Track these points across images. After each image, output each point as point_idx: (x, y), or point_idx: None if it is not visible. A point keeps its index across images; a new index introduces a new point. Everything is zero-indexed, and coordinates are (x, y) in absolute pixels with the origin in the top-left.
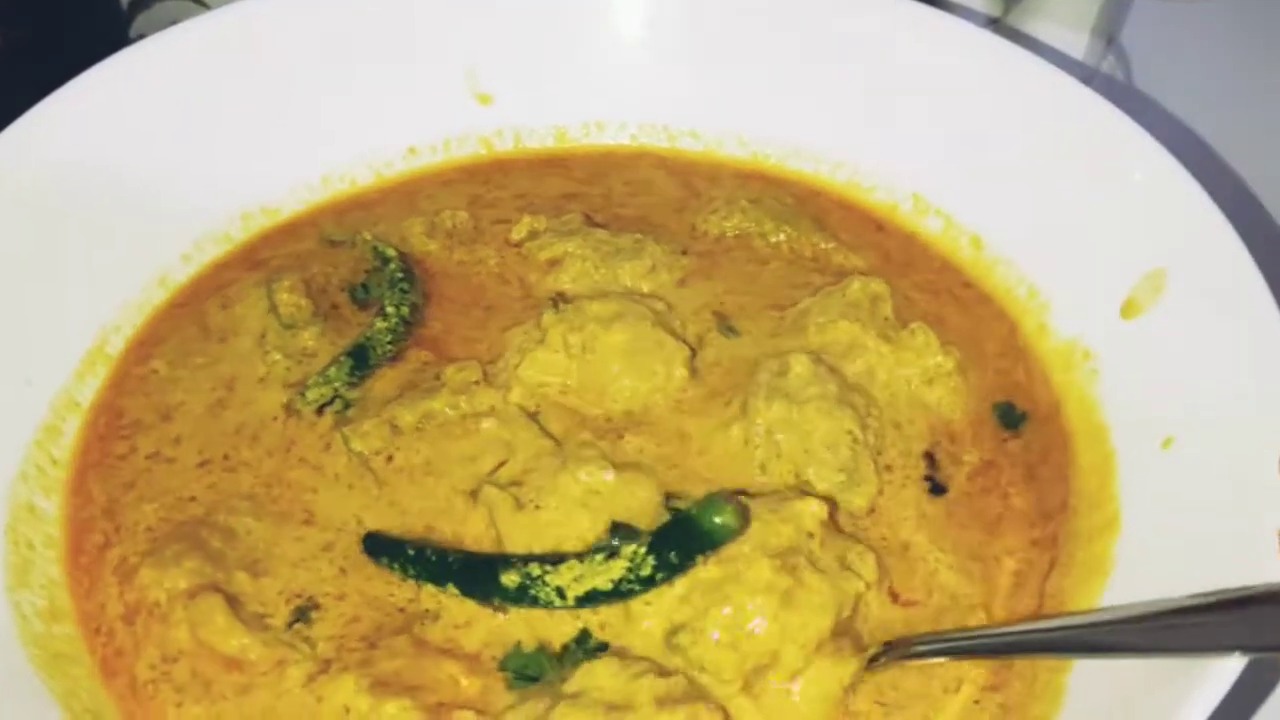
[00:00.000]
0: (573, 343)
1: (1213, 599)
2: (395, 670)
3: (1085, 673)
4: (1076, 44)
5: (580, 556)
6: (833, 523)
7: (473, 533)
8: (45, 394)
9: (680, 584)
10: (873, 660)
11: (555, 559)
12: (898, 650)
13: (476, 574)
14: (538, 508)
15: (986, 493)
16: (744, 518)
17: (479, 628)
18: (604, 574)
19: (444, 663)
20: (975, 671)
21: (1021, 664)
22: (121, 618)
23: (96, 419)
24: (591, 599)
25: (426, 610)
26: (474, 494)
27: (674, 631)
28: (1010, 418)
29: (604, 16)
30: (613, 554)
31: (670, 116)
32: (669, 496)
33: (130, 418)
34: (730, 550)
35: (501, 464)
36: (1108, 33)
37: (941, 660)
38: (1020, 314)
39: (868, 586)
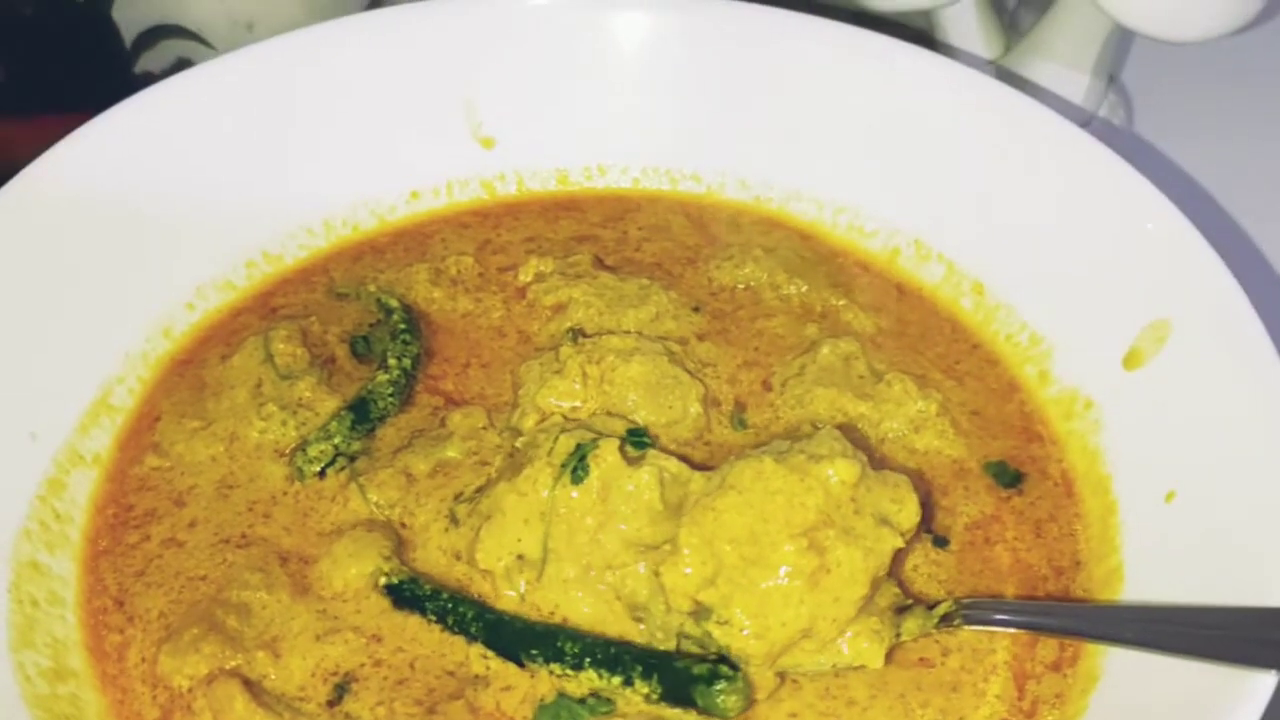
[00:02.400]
0: (591, 374)
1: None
2: None
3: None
4: (1077, 85)
5: (600, 668)
6: (871, 462)
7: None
8: (49, 448)
9: (706, 566)
10: (945, 619)
11: (576, 658)
12: (968, 612)
13: (502, 639)
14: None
15: (991, 544)
16: (749, 698)
17: (517, 691)
18: (617, 693)
19: None
20: None
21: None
22: None
23: (104, 507)
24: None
25: (477, 675)
26: (453, 519)
27: (701, 612)
28: (1005, 476)
29: (606, 61)
30: (628, 683)
31: (672, 160)
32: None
33: (142, 509)
34: (752, 529)
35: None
36: (1108, 73)
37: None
38: (1021, 361)
39: (904, 536)
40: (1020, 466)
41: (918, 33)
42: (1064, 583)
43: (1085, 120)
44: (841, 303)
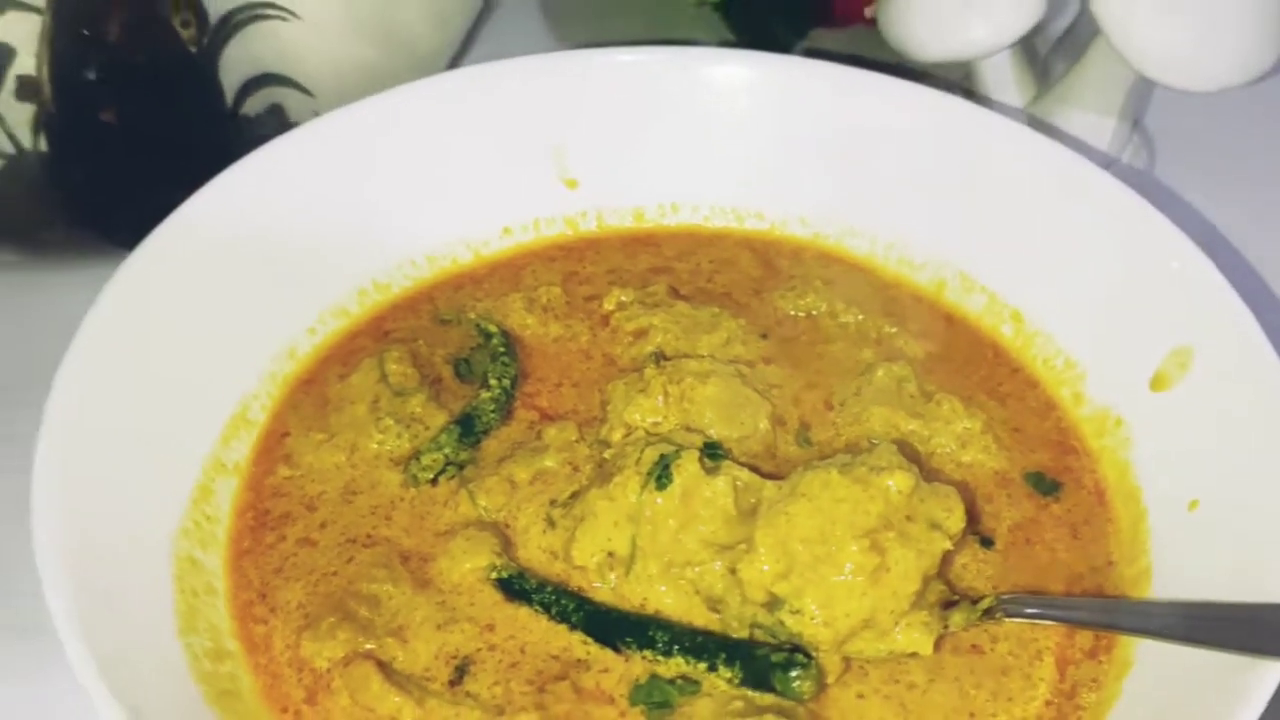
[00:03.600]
0: (672, 393)
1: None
2: (565, 714)
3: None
4: (1104, 130)
5: (687, 655)
6: (923, 474)
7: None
8: (198, 456)
9: (780, 563)
10: (987, 613)
11: (666, 646)
12: (1007, 606)
13: (599, 628)
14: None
15: (1032, 544)
16: (820, 683)
17: (614, 673)
18: (703, 676)
19: (604, 707)
20: None
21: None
22: (304, 701)
23: (244, 512)
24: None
25: (579, 660)
26: (550, 522)
27: (774, 603)
28: (1043, 485)
29: (679, 112)
30: (713, 669)
31: (738, 199)
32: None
33: (278, 513)
34: (821, 531)
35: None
36: (1133, 117)
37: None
38: (1058, 383)
39: (953, 538)
40: (1057, 477)
41: (948, 82)
42: (1098, 580)
43: (1111, 163)
44: (894, 330)
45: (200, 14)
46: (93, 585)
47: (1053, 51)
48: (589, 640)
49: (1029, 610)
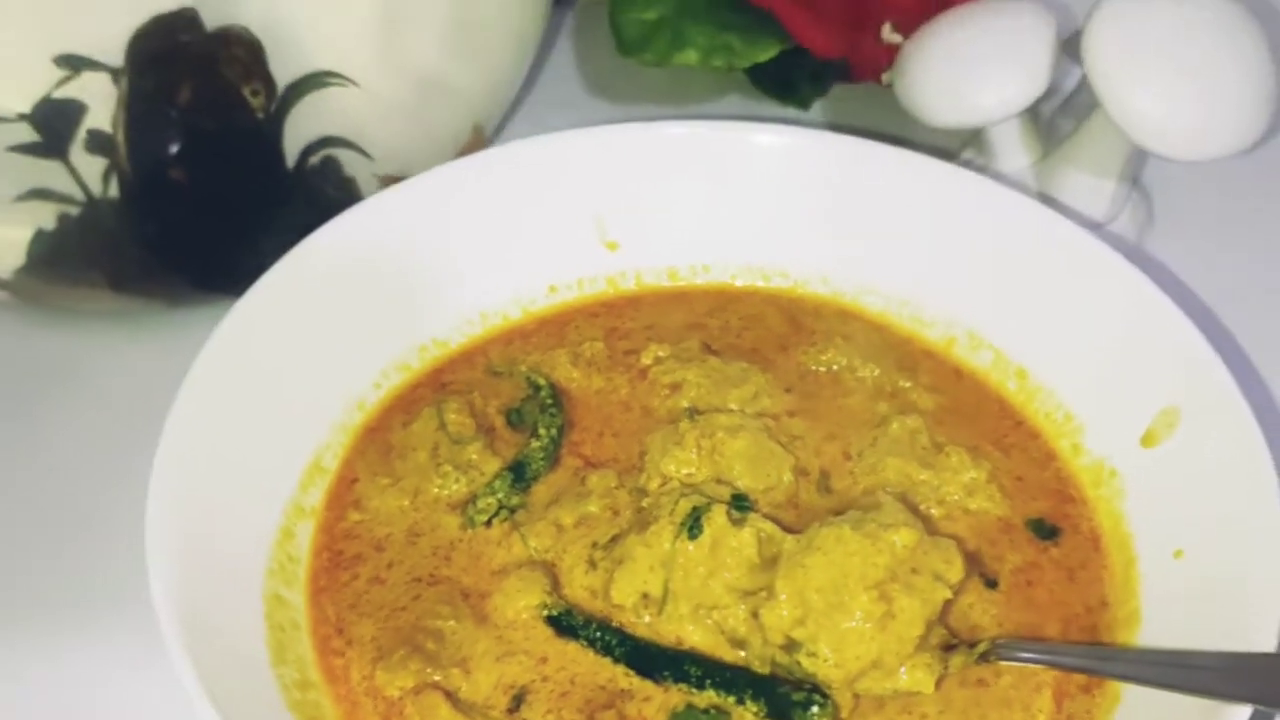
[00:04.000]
0: (704, 446)
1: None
2: None
3: None
4: (1103, 191)
5: (718, 689)
6: (926, 527)
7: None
8: (279, 502)
9: (798, 610)
10: (983, 656)
11: (699, 679)
12: (1001, 650)
13: (640, 661)
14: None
15: (1033, 586)
16: (836, 717)
17: (654, 702)
18: (732, 709)
19: None
20: None
21: None
22: None
23: (320, 552)
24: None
25: (623, 689)
26: (591, 563)
27: (791, 645)
28: (1043, 530)
29: (711, 180)
30: (740, 702)
31: (764, 259)
32: (736, 497)
33: (350, 554)
34: (835, 581)
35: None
36: (1132, 178)
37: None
38: (1058, 435)
39: (953, 588)
40: (1057, 523)
41: (938, 149)
42: (1093, 619)
43: (1110, 222)
44: (908, 384)
45: (269, 83)
46: (197, 617)
47: (1058, 114)
48: (631, 672)
49: (1021, 654)
